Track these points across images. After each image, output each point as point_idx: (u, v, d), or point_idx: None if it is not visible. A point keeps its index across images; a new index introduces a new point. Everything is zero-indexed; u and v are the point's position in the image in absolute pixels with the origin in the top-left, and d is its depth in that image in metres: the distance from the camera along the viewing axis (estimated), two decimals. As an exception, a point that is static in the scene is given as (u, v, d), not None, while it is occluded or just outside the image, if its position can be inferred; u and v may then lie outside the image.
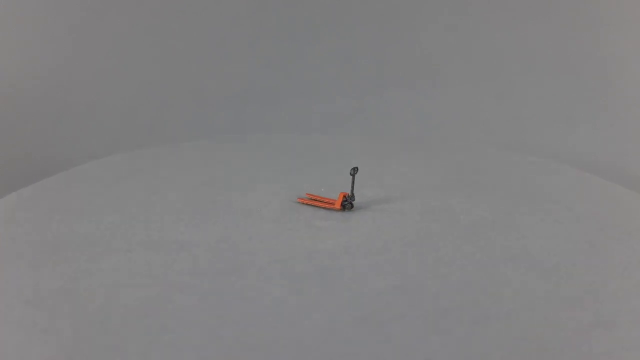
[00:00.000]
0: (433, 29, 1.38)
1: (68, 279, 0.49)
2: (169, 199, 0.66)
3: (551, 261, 0.52)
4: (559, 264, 0.51)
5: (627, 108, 1.31)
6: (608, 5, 1.34)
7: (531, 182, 0.74)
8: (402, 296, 0.46)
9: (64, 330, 0.41)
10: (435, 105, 1.36)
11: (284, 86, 1.38)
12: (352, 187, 0.62)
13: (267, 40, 1.39)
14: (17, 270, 0.50)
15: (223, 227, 0.58)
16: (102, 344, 0.40)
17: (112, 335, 0.41)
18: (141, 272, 0.49)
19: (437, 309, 0.44)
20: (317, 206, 0.64)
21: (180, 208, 0.63)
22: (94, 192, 0.69)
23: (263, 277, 0.49)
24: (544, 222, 0.60)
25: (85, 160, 0.81)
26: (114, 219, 0.60)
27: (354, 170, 0.62)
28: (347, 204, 0.62)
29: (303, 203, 0.65)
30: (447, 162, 0.84)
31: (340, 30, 1.38)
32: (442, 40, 1.38)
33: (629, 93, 1.32)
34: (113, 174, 0.75)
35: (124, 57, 1.39)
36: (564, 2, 1.35)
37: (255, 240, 0.56)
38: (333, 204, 0.64)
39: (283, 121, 1.34)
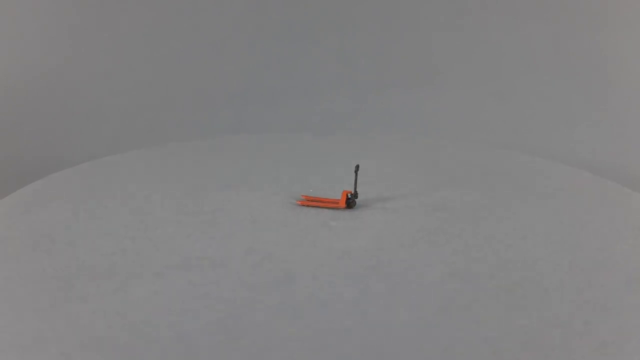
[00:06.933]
0: (433, 29, 1.38)
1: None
2: (172, 203, 0.66)
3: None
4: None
5: (627, 108, 1.31)
6: (608, 5, 1.34)
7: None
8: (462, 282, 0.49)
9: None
10: (435, 106, 1.36)
11: (284, 86, 1.38)
12: (355, 184, 0.63)
13: (268, 40, 1.39)
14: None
15: (238, 236, 0.57)
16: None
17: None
18: (192, 296, 0.47)
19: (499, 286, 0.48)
20: (319, 207, 0.64)
21: (183, 216, 0.63)
22: (93, 193, 0.68)
23: (321, 281, 0.49)
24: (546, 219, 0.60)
25: (85, 160, 0.81)
26: (117, 230, 0.60)
27: (357, 168, 0.63)
28: (351, 201, 0.63)
29: (303, 205, 0.64)
30: (425, 158, 0.83)
31: (340, 30, 1.38)
32: (443, 40, 1.38)
33: (629, 93, 1.32)
34: (112, 175, 0.75)
35: (124, 58, 1.39)
36: (564, 2, 1.35)
37: (283, 246, 0.55)
38: (336, 203, 0.64)
39: (283, 121, 1.33)
